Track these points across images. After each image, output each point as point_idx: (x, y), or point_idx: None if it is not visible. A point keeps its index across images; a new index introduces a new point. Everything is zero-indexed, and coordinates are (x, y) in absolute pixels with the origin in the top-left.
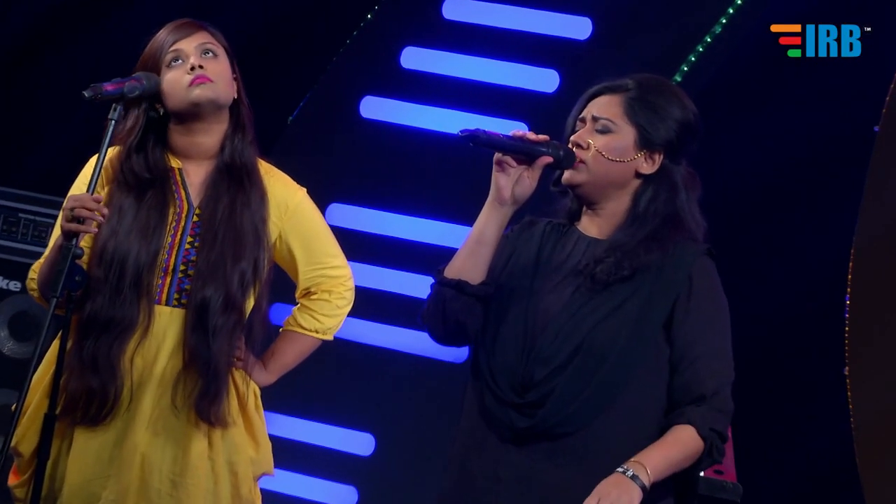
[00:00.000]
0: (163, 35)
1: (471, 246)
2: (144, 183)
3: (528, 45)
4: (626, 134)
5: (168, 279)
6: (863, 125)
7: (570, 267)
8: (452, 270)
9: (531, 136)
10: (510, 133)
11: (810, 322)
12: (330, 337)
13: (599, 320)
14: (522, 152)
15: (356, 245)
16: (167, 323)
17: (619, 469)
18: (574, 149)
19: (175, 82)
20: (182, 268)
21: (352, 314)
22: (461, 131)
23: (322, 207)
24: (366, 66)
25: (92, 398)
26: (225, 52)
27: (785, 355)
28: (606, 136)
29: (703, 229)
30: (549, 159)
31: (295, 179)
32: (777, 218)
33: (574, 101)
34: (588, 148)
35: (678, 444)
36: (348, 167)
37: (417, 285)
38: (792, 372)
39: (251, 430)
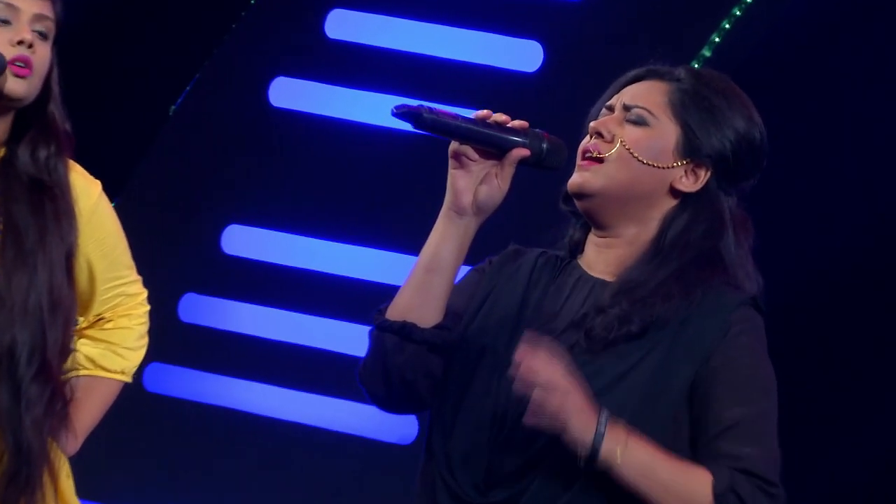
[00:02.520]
0: None
1: (419, 275)
2: None
3: (502, 10)
4: (667, 132)
5: None
6: None
7: (564, 319)
8: (396, 310)
9: (501, 118)
10: (472, 115)
11: None
12: (131, 378)
13: (596, 393)
14: (488, 142)
15: (262, 283)
16: None
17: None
18: (593, 140)
19: None
20: None
21: (261, 380)
22: (396, 108)
23: (216, 231)
24: (276, 37)
25: None
26: (53, 34)
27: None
28: (640, 130)
29: (757, 286)
30: (524, 152)
31: (181, 190)
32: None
33: (562, 81)
34: (612, 140)
35: (678, 470)
36: (252, 175)
37: (350, 339)
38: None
39: None
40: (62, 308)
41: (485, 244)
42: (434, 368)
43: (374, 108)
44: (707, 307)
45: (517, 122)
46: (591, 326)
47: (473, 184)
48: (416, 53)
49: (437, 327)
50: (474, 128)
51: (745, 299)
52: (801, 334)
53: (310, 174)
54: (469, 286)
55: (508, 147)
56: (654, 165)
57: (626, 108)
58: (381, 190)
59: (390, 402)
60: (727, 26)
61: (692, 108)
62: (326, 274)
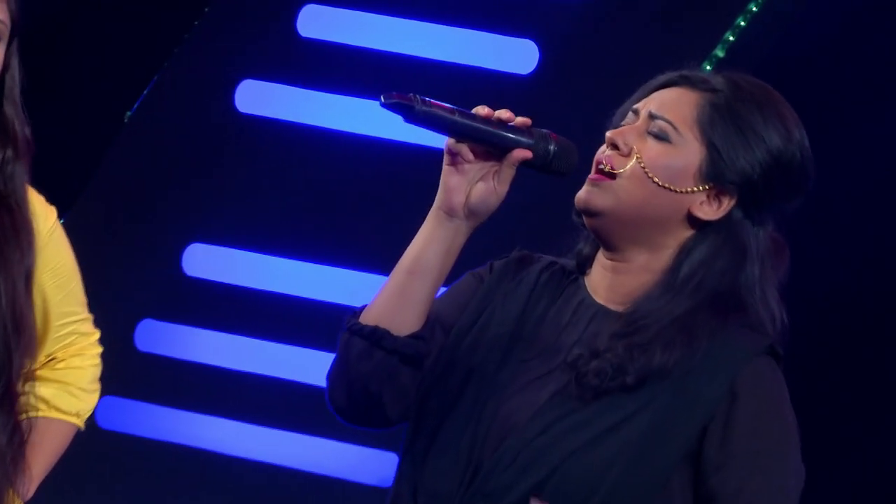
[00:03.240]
0: None
1: (399, 277)
2: None
3: (493, 6)
4: (690, 152)
5: None
6: None
7: (558, 352)
8: (370, 314)
9: (504, 115)
10: (472, 111)
11: None
12: (83, 424)
13: (582, 445)
14: (487, 140)
15: (228, 308)
16: None
17: None
18: (608, 151)
19: None
20: None
21: (227, 416)
22: (385, 96)
23: (176, 250)
24: (243, 35)
25: None
26: (8, 34)
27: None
28: (660, 146)
29: (779, 324)
30: (525, 154)
31: (137, 206)
32: None
33: (559, 84)
34: (628, 154)
35: None
36: (217, 189)
37: (325, 370)
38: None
39: None
40: (26, 331)
41: (494, 243)
42: (405, 382)
43: (353, 114)
44: (715, 358)
45: (521, 120)
46: (584, 372)
47: (468, 183)
48: (398, 53)
49: (413, 336)
50: (473, 124)
51: (761, 347)
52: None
53: (280, 187)
54: (463, 294)
55: (509, 147)
56: (670, 188)
57: (652, 118)
58: (360, 205)
59: (352, 414)
60: (742, 23)
61: (722, 127)
62: (299, 298)
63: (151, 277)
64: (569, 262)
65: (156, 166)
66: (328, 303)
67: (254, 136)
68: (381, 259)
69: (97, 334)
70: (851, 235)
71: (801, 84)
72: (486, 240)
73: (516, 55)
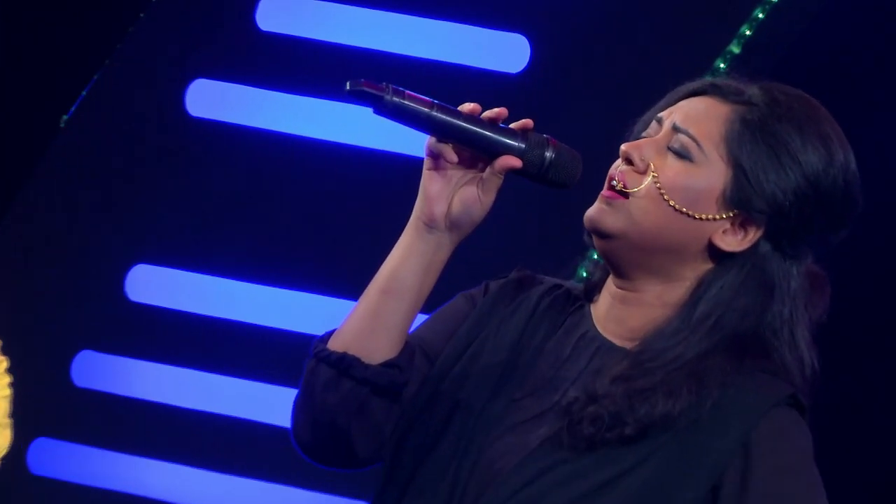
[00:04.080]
0: None
1: (372, 297)
2: None
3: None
4: (714, 173)
5: None
6: None
7: (553, 392)
8: (340, 338)
9: (494, 114)
10: (458, 108)
11: None
12: None
13: (572, 501)
14: (472, 142)
15: (175, 337)
16: None
17: None
18: (622, 166)
19: None
20: None
21: (177, 460)
22: (350, 84)
23: (119, 272)
24: (194, 30)
25: None
26: None
27: None
28: (680, 164)
29: (808, 370)
30: (513, 161)
31: (75, 221)
32: None
33: (553, 84)
34: (644, 171)
35: None
36: (164, 202)
37: (286, 408)
38: None
39: None
40: None
41: (495, 256)
42: (378, 417)
43: (319, 118)
44: (727, 408)
45: (521, 123)
46: (579, 419)
47: (450, 191)
48: (370, 49)
49: (388, 364)
50: (453, 121)
51: (781, 398)
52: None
53: (237, 200)
54: (452, 318)
55: (495, 151)
56: (688, 213)
57: (675, 130)
58: (327, 220)
59: (318, 453)
60: (760, 16)
61: (751, 146)
62: (259, 326)
63: (90, 303)
64: (576, 287)
65: (95, 177)
66: (291, 332)
67: (207, 143)
68: (350, 281)
69: (5, 363)
70: (877, 243)
71: (826, 83)
72: (486, 252)
73: (505, 51)
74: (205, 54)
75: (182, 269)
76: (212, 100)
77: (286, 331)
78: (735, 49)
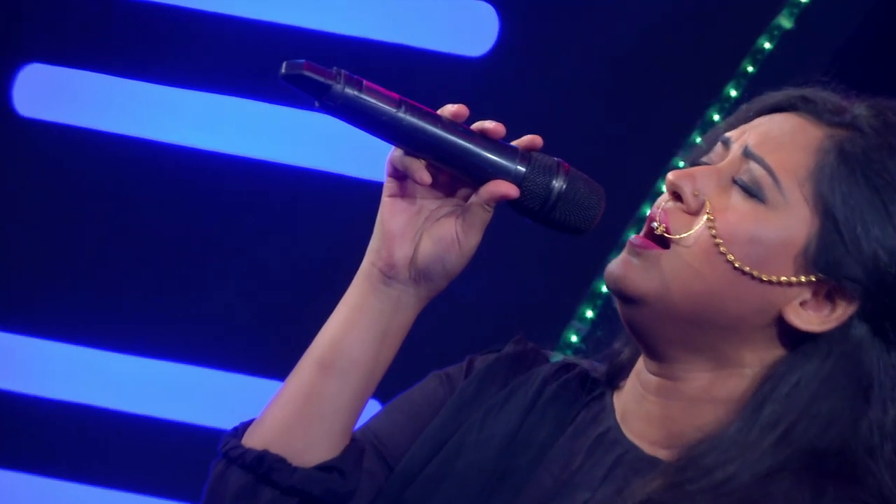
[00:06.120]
0: None
1: (305, 375)
2: None
3: None
4: (794, 220)
5: None
6: None
7: (567, 502)
8: (259, 431)
9: (489, 126)
10: (437, 111)
11: None
12: None
13: None
14: (458, 160)
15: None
16: None
17: None
18: (668, 202)
19: None
20: None
21: None
22: (286, 66)
23: None
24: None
25: None
26: None
27: None
28: (748, 205)
29: None
30: (508, 189)
31: None
32: None
33: (527, 69)
34: (696, 211)
35: None
36: None
37: None
38: None
39: None
40: None
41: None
42: None
43: (202, 118)
44: None
45: (528, 140)
46: None
47: (418, 227)
48: (277, 24)
49: (324, 468)
50: (432, 130)
51: None
52: None
53: (81, 221)
54: (421, 408)
55: (486, 175)
56: (753, 274)
57: (747, 157)
58: (212, 253)
59: None
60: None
61: (851, 189)
62: (121, 413)
63: None
64: (596, 367)
65: None
66: (170, 422)
67: (37, 150)
68: (257, 350)
69: None
70: None
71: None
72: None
73: (471, 25)
74: (37, 33)
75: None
76: (46, 92)
77: (161, 420)
78: (786, 23)
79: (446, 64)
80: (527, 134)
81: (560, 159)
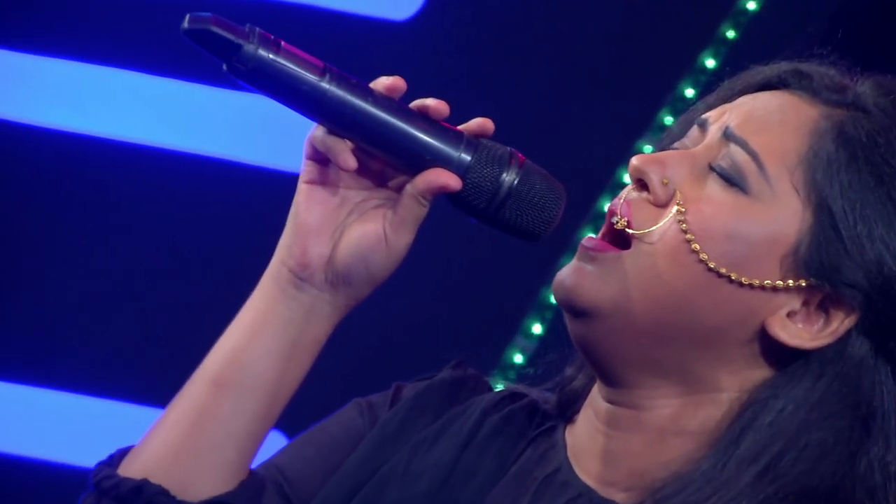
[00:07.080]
0: None
1: (196, 393)
2: None
3: None
4: (782, 213)
5: None
6: None
7: None
8: (139, 459)
9: (432, 105)
10: (368, 84)
11: None
12: None
13: None
14: (390, 142)
15: None
16: None
17: None
18: (632, 193)
19: None
20: None
21: None
22: (189, 20)
23: None
24: None
25: None
26: None
27: None
28: (727, 196)
29: None
30: (450, 181)
31: None
32: None
33: (456, 34)
34: (665, 203)
35: None
36: None
37: None
38: None
39: None
40: None
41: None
42: None
43: (116, 110)
44: None
45: (478, 123)
46: None
47: (339, 221)
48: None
49: (213, 503)
50: (361, 105)
51: None
52: None
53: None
54: (337, 440)
55: (423, 162)
56: (731, 277)
57: (727, 138)
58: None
59: None
60: None
61: (851, 180)
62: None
63: None
64: (548, 399)
65: None
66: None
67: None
68: (148, 379)
69: None
70: None
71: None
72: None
73: None
74: None
75: None
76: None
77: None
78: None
79: (369, 28)
80: (450, 106)
81: (514, 149)
